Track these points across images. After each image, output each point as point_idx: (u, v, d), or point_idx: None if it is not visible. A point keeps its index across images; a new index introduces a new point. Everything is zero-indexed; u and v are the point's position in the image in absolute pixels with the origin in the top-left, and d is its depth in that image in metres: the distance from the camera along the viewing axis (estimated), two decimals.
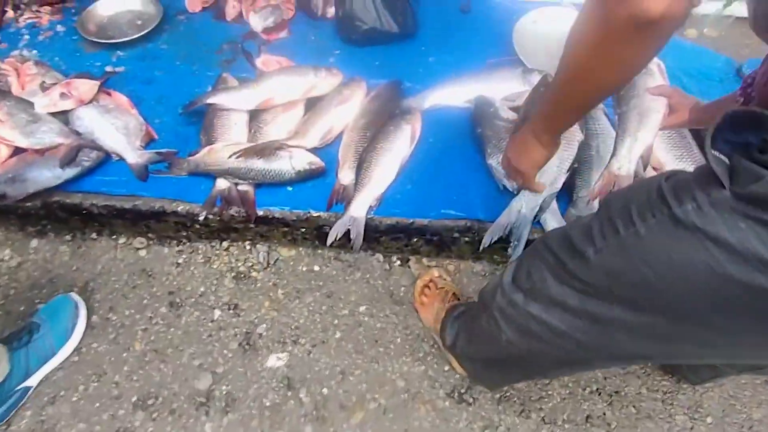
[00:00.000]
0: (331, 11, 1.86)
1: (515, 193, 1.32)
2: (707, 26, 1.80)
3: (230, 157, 1.34)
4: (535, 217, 1.30)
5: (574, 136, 1.33)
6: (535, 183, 1.02)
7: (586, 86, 0.73)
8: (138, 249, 1.52)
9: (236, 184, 1.39)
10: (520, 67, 1.60)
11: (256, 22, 1.81)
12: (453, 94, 1.60)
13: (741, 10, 1.83)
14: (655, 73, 1.20)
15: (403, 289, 1.47)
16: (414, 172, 1.44)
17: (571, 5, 1.74)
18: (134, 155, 1.40)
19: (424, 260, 1.52)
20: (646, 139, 1.13)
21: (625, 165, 1.13)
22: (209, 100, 1.47)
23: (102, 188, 1.41)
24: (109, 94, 1.53)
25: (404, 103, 1.58)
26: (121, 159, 1.41)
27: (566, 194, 1.35)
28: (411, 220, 1.38)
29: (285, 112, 1.50)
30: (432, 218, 1.37)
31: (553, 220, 1.32)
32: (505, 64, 1.61)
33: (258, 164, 1.35)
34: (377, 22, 1.72)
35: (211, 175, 1.39)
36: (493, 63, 1.64)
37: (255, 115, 1.51)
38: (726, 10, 1.81)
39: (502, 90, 1.57)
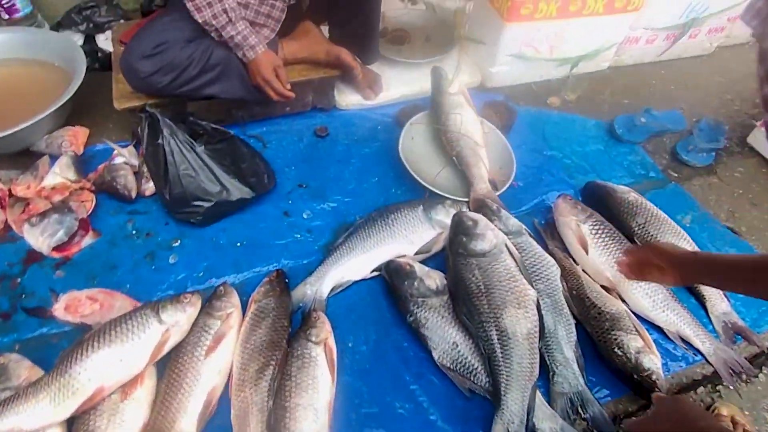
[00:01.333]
0: (150, 187, 1.35)
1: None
2: (566, 91, 1.77)
3: None
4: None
5: None
6: None
7: None
8: None
9: None
10: (419, 206, 1.32)
11: (36, 239, 1.22)
12: (354, 266, 1.24)
13: (587, 67, 1.84)
14: (464, 104, 1.48)
15: None
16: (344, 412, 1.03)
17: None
18: None
19: None
20: (486, 165, 1.42)
21: (483, 186, 1.38)
22: None
23: None
24: None
25: (296, 298, 1.18)
26: None
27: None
28: None
29: (126, 399, 0.96)
30: None
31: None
32: (401, 209, 1.31)
33: None
34: (224, 193, 1.28)
35: None
36: (390, 209, 1.33)
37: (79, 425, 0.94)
38: (574, 71, 1.80)
39: (410, 242, 1.27)
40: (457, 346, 1.09)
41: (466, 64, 1.78)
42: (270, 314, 1.09)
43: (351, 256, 1.24)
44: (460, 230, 1.20)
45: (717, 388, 1.20)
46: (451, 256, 1.20)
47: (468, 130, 1.46)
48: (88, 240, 1.27)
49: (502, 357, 1.03)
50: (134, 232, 1.30)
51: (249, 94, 1.46)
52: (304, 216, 1.37)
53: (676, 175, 1.61)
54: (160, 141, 1.22)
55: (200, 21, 1.30)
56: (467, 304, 1.11)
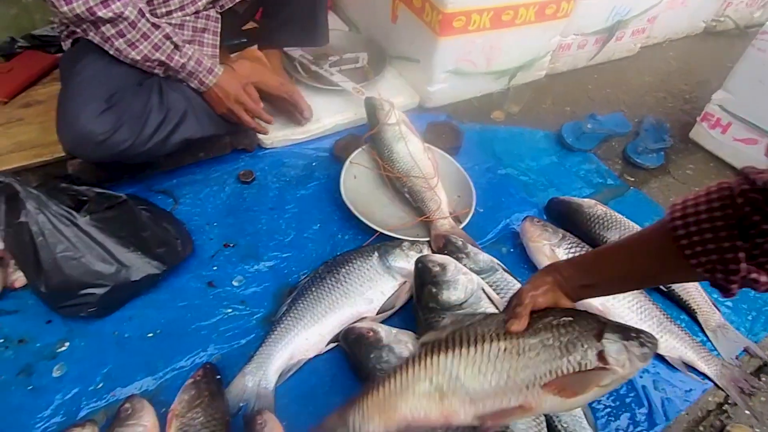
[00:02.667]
0: (20, 277, 1.02)
1: None
2: (508, 104, 1.66)
3: None
4: None
5: None
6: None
7: None
8: None
9: None
10: (373, 254, 1.10)
11: None
12: (306, 343, 0.98)
13: (525, 77, 1.76)
14: (407, 133, 1.34)
15: None
16: None
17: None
18: None
19: None
20: (444, 196, 1.28)
21: (443, 221, 1.22)
22: None
23: None
24: None
25: (234, 396, 0.90)
26: None
27: None
28: None
29: None
30: None
31: None
32: (352, 260, 1.09)
33: None
34: (122, 272, 0.98)
35: None
36: (339, 262, 1.10)
37: None
38: (513, 82, 1.71)
39: (369, 300, 1.05)
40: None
41: (402, 86, 1.63)
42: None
43: (299, 328, 0.99)
44: (426, 279, 1.00)
45: (723, 408, 1.09)
46: (421, 311, 0.99)
47: (416, 160, 1.29)
48: None
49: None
50: (1, 341, 0.97)
51: (220, 127, 1.22)
52: (235, 283, 1.11)
53: (632, 179, 1.54)
54: (23, 219, 0.91)
55: (138, 58, 1.04)
56: None
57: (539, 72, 1.80)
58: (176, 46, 1.07)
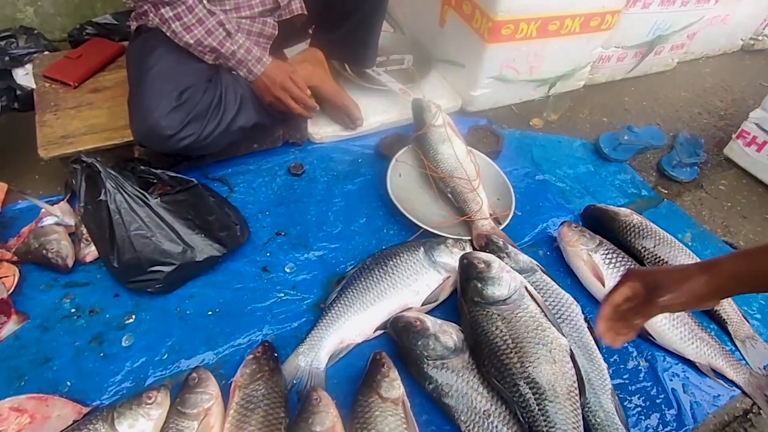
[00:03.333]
0: (91, 252, 1.10)
1: None
2: (547, 112, 1.71)
3: None
4: None
5: None
6: None
7: None
8: None
9: None
10: (419, 249, 1.16)
11: None
12: (354, 327, 1.05)
13: (565, 87, 1.80)
14: (452, 136, 1.37)
15: None
16: None
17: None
18: None
19: None
20: (485, 198, 1.32)
21: (485, 222, 1.26)
22: None
23: None
24: None
25: (288, 373, 0.97)
26: None
27: None
28: None
29: None
30: None
31: None
32: (399, 253, 1.15)
33: None
34: (188, 253, 1.05)
35: None
36: (387, 254, 1.15)
37: None
38: (553, 91, 1.75)
39: (415, 292, 1.10)
40: (489, 416, 0.92)
41: (445, 89, 1.68)
42: (260, 404, 0.87)
43: (349, 314, 1.06)
44: (472, 275, 1.05)
45: (748, 416, 1.13)
46: (466, 305, 1.04)
47: (460, 162, 1.34)
48: (10, 327, 0.99)
49: (544, 423, 0.89)
50: (73, 310, 1.04)
51: (266, 117, 1.26)
52: (287, 270, 1.17)
53: (666, 191, 1.58)
54: (102, 197, 0.98)
55: (191, 42, 1.09)
56: (495, 363, 0.95)
57: (578, 82, 1.84)
58: (228, 33, 1.11)
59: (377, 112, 1.54)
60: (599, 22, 1.62)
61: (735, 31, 2.24)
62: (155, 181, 1.07)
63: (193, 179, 1.05)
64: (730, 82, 2.15)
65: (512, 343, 0.95)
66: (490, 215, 1.29)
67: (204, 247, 1.08)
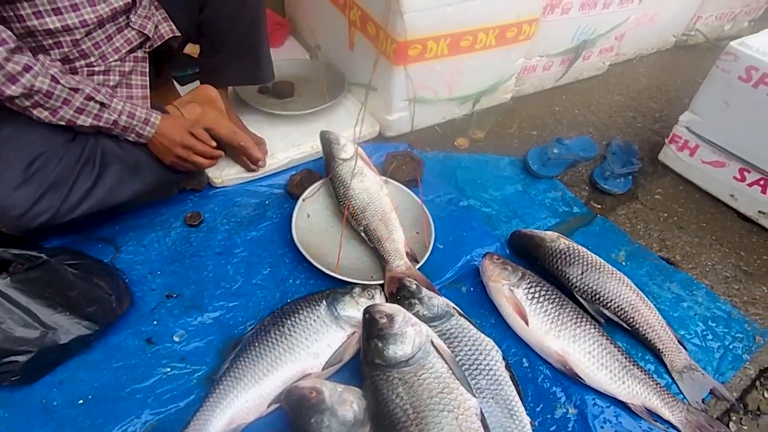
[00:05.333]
0: None
1: None
2: (472, 130, 1.62)
3: None
4: None
5: None
6: None
7: None
8: None
9: None
10: (321, 302, 1.05)
11: None
12: (247, 405, 0.92)
13: (491, 101, 1.73)
14: (363, 168, 1.29)
15: None
16: None
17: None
18: None
19: None
20: (401, 235, 1.22)
21: (400, 262, 1.16)
22: None
23: None
24: None
25: None
26: None
27: None
28: None
29: None
30: None
31: None
32: (299, 310, 1.03)
33: None
34: (48, 336, 0.91)
35: None
36: (286, 312, 1.03)
37: None
38: (478, 107, 1.67)
39: (314, 355, 0.98)
40: None
41: (361, 114, 1.58)
42: None
43: (239, 389, 0.93)
44: (373, 332, 0.94)
45: None
46: (367, 368, 0.94)
47: (372, 197, 1.24)
48: None
49: None
50: None
51: (169, 177, 1.17)
52: (176, 339, 1.05)
53: (599, 206, 1.50)
54: None
55: (62, 123, 0.97)
56: None
57: (504, 95, 1.76)
58: (102, 105, 0.99)
59: (286, 146, 1.43)
60: (516, 33, 1.54)
61: (666, 28, 2.21)
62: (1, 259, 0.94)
63: (42, 255, 0.92)
64: (665, 80, 2.11)
65: (413, 413, 0.84)
66: (407, 254, 1.19)
67: (69, 327, 0.94)
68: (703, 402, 1.05)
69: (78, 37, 0.98)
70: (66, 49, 0.98)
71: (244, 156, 1.33)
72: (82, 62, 1.02)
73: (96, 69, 1.03)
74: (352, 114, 1.56)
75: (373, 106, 1.57)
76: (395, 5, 1.29)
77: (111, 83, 1.06)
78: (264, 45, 1.34)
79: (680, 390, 1.07)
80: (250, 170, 1.36)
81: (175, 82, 1.52)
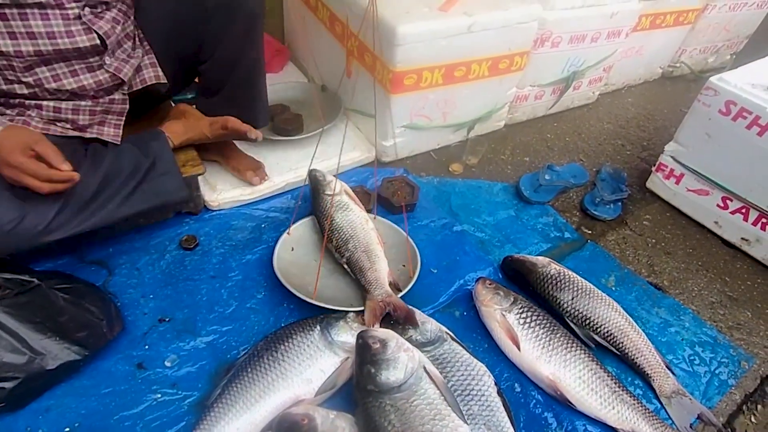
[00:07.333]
0: None
1: None
2: (466, 156, 1.66)
3: None
4: None
5: None
6: None
7: None
8: None
9: None
10: (315, 328, 1.05)
11: None
12: (237, 430, 0.92)
13: (484, 128, 1.77)
14: (348, 204, 1.28)
15: None
16: None
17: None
18: None
19: None
20: (384, 266, 1.20)
21: (380, 291, 1.13)
22: None
23: None
24: None
25: None
26: None
27: None
28: None
29: None
30: None
31: None
32: (292, 335, 1.03)
33: None
34: (36, 362, 0.90)
35: None
36: (279, 336, 1.02)
37: None
38: (472, 134, 1.71)
39: (307, 381, 0.98)
40: None
41: (359, 140, 1.61)
42: None
43: (230, 417, 0.92)
44: (366, 358, 0.94)
45: None
46: (359, 394, 0.93)
47: (356, 229, 1.23)
48: None
49: None
50: None
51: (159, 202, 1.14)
52: (167, 364, 1.04)
53: (589, 232, 1.53)
54: None
55: None
56: None
57: (498, 123, 1.81)
58: None
59: (283, 170, 1.45)
60: (509, 64, 1.60)
61: (652, 60, 2.29)
62: None
63: (33, 279, 0.92)
64: (653, 110, 2.18)
65: None
66: (390, 283, 1.18)
67: (58, 352, 0.93)
68: (691, 427, 1.06)
69: (30, 64, 0.96)
70: (19, 73, 0.97)
71: (238, 131, 1.25)
72: (36, 90, 0.99)
73: (63, 107, 1.03)
74: (349, 138, 1.59)
75: (369, 132, 1.60)
76: (390, 38, 1.34)
77: (81, 122, 1.06)
78: (261, 91, 1.35)
79: (669, 415, 1.08)
80: (250, 182, 1.38)
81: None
